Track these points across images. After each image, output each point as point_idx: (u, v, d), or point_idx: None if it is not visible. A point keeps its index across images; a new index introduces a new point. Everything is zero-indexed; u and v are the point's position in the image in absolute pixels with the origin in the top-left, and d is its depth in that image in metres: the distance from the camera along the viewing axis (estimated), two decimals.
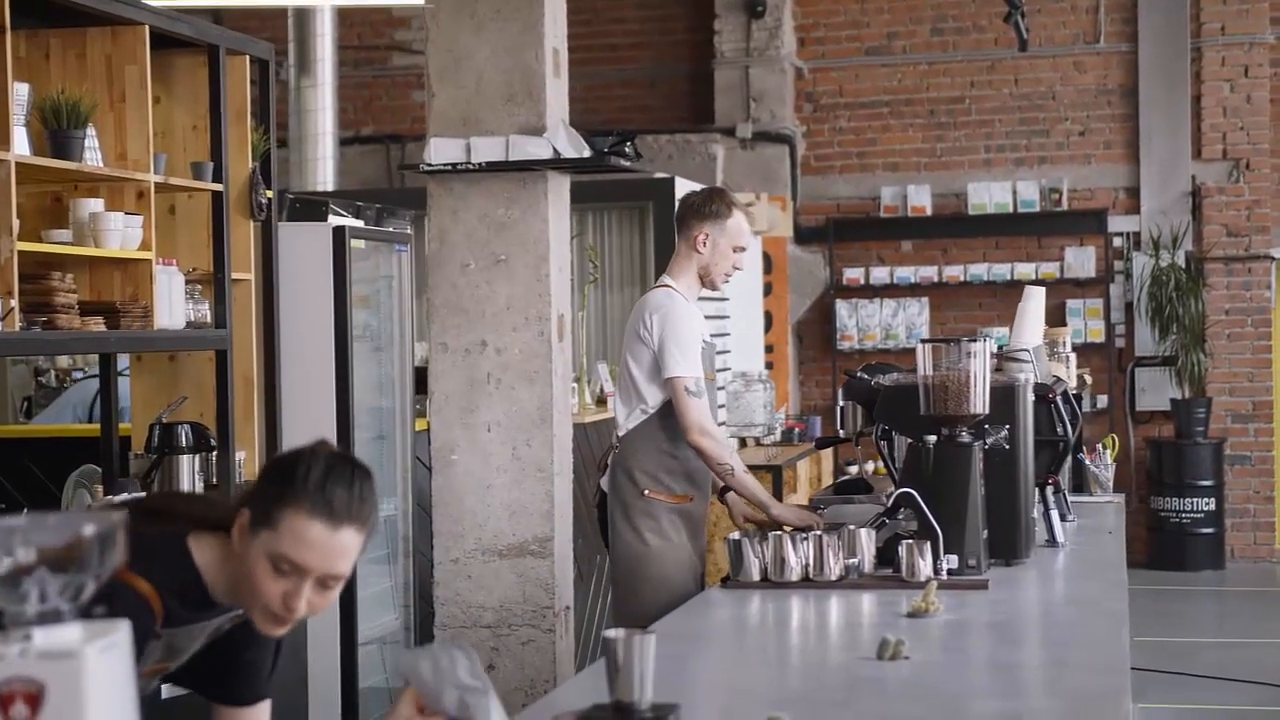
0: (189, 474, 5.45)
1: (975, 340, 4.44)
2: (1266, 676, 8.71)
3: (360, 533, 2.64)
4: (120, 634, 1.74)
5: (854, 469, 10.40)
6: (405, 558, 6.93)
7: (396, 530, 6.95)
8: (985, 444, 4.47)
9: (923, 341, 4.48)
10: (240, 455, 5.83)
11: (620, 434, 5.33)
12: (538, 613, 5.66)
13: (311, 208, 6.44)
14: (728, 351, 10.58)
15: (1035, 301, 5.61)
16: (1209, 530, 12.35)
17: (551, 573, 5.67)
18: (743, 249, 5.35)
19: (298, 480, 2.60)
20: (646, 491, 5.22)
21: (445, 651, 2.46)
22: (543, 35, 5.63)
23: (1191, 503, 12.31)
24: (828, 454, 11.07)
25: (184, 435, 5.46)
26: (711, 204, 5.32)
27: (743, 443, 10.22)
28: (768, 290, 12.53)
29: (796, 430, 10.80)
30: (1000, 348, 5.42)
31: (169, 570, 2.68)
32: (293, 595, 2.61)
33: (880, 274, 12.99)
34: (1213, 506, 12.34)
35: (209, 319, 5.64)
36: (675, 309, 5.19)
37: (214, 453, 5.63)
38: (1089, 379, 10.14)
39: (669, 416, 5.21)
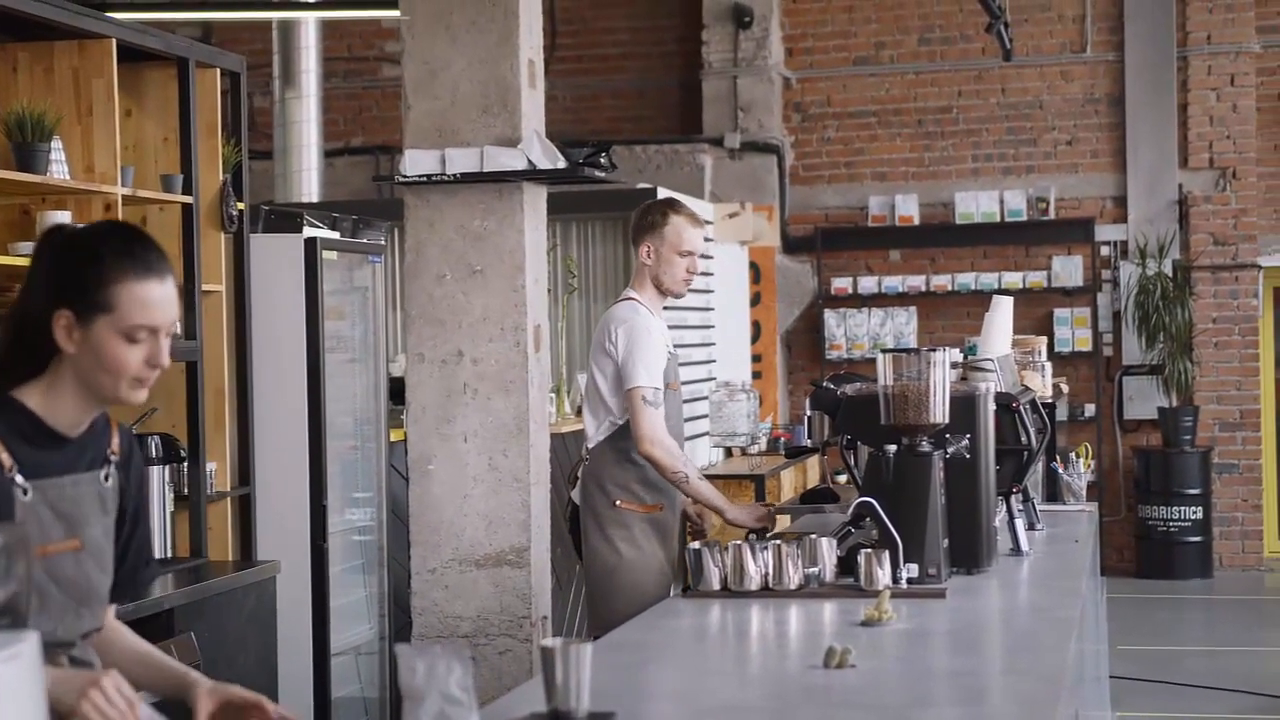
0: (159, 485, 5.46)
1: (935, 350, 4.45)
2: (1251, 685, 8.72)
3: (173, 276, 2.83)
4: (27, 644, 1.76)
5: (843, 478, 10.40)
6: (381, 567, 6.95)
7: (373, 540, 6.96)
8: (946, 453, 4.48)
9: (883, 351, 4.50)
10: (211, 466, 5.85)
11: (590, 445, 5.42)
12: (515, 622, 5.67)
13: (287, 219, 6.45)
14: (714, 361, 10.60)
15: (1002, 311, 5.62)
16: (1196, 539, 12.36)
17: (528, 582, 5.68)
18: (689, 253, 5.44)
19: (108, 259, 2.72)
20: (618, 502, 5.32)
21: (446, 656, 2.46)
22: (518, 47, 5.64)
23: (1179, 511, 12.32)
24: (814, 463, 11.08)
25: (154, 446, 5.47)
26: (647, 216, 5.48)
27: (728, 452, 10.23)
28: (756, 300, 12.56)
29: (783, 440, 10.80)
30: (966, 357, 5.44)
31: (3, 421, 2.72)
32: (154, 354, 2.74)
33: (868, 283, 13.01)
34: (1200, 515, 12.34)
35: (179, 330, 5.66)
36: (639, 322, 5.31)
37: (184, 464, 5.65)
38: (1065, 388, 10.14)
39: None
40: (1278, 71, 12.82)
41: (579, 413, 8.65)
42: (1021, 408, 5.10)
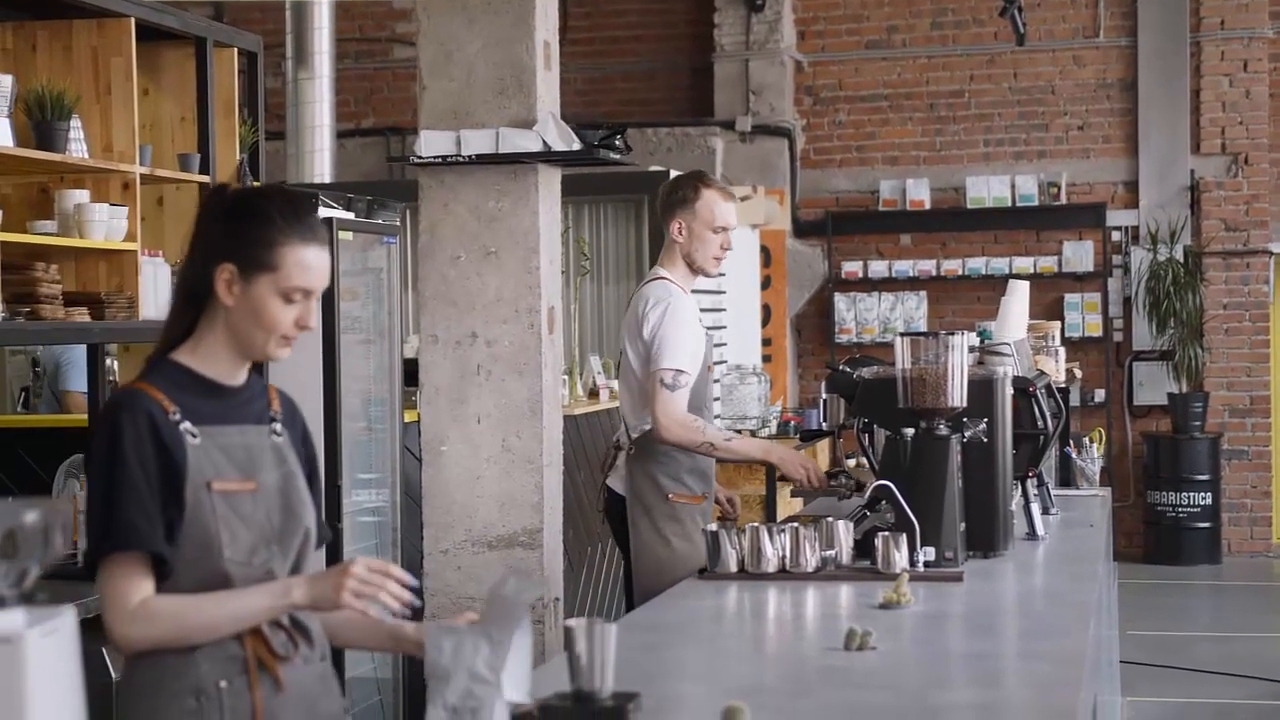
0: None
1: (953, 334, 4.45)
2: (1260, 670, 8.73)
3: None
4: (64, 619, 1.77)
5: (851, 462, 10.40)
6: (394, 548, 6.95)
7: (386, 521, 6.97)
8: (963, 437, 4.48)
9: (901, 334, 4.49)
10: None
11: (634, 435, 5.27)
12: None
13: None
14: (724, 344, 10.61)
15: (1018, 296, 5.62)
16: (1205, 525, 12.37)
17: (541, 564, 5.67)
18: (723, 229, 5.27)
19: (278, 221, 2.84)
20: (671, 495, 5.19)
21: (473, 636, 2.47)
22: (533, 28, 5.63)
23: (1188, 497, 12.33)
24: (825, 446, 11.08)
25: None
26: (678, 191, 5.31)
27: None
28: (766, 283, 12.56)
29: (793, 423, 10.80)
30: (984, 341, 5.43)
31: (161, 376, 2.87)
32: (304, 315, 2.89)
33: (879, 268, 13.01)
34: (1209, 501, 12.35)
35: None
36: (675, 302, 5.17)
37: None
38: (1079, 373, 10.16)
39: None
40: None
41: (592, 395, 8.65)
42: (1038, 392, 5.10)
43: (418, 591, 5.98)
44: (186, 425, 2.82)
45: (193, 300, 2.89)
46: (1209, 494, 12.35)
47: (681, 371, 5.11)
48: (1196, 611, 11.13)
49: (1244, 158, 12.67)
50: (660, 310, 5.15)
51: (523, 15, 5.60)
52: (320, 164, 10.98)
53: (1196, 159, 12.75)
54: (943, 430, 4.44)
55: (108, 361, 6.27)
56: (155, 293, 5.38)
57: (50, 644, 1.75)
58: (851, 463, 10.19)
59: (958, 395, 4.42)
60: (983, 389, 4.58)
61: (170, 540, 2.78)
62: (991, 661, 3.43)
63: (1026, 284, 5.81)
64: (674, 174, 10.11)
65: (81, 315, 5.06)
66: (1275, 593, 11.89)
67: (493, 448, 5.63)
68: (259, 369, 3.10)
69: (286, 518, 2.92)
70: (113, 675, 4.49)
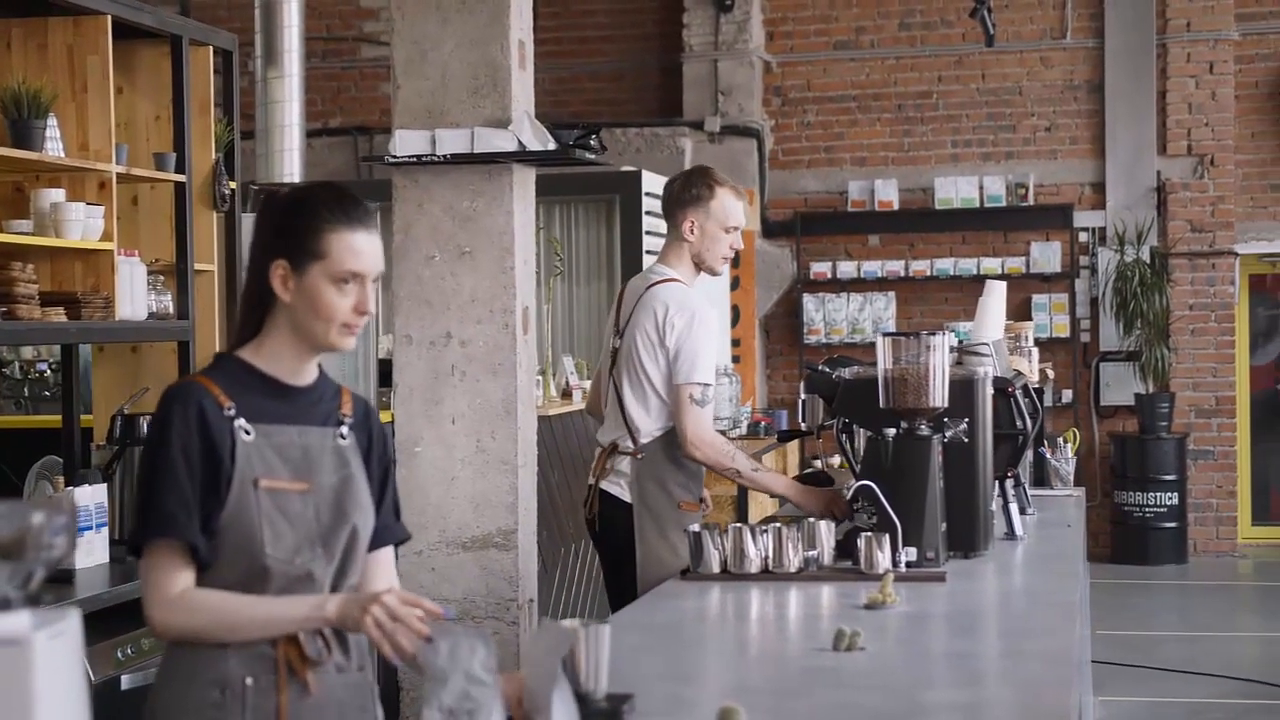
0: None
1: (935, 334, 4.46)
2: (1227, 669, 8.77)
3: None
4: (70, 622, 1.75)
5: (818, 462, 10.41)
6: None
7: None
8: (944, 437, 4.49)
9: (883, 335, 4.50)
10: None
11: (643, 439, 5.10)
12: (501, 605, 5.66)
13: None
14: None
15: (996, 296, 5.64)
16: (1171, 524, 12.43)
17: (515, 565, 5.66)
18: (734, 228, 5.12)
19: (322, 211, 2.91)
20: (682, 504, 5.09)
21: (468, 638, 2.46)
22: (508, 27, 5.62)
23: (1154, 497, 12.39)
24: (794, 447, 11.10)
25: (145, 426, 5.44)
26: (691, 188, 5.12)
27: None
28: (735, 284, 12.57)
29: (763, 424, 10.81)
30: (961, 341, 5.44)
31: (222, 372, 2.93)
32: (361, 300, 2.91)
33: (847, 268, 13.04)
34: (1175, 501, 12.42)
35: (171, 310, 5.63)
36: (700, 311, 5.04)
37: None
38: (1051, 373, 10.19)
39: None
40: (1256, 59, 12.88)
41: (565, 395, 8.63)
42: (1016, 393, 5.12)
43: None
44: (241, 421, 2.86)
45: (257, 304, 2.94)
46: (1175, 494, 12.42)
47: (709, 385, 5.00)
48: (1164, 611, 11.18)
49: (1210, 159, 12.74)
50: (686, 319, 5.00)
51: (497, 14, 5.59)
52: (290, 163, 10.90)
53: (1163, 160, 12.81)
54: (924, 430, 4.44)
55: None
56: (131, 292, 5.35)
57: (57, 646, 1.73)
58: (819, 463, 10.23)
59: (939, 395, 4.43)
60: (964, 389, 4.59)
61: (207, 532, 2.82)
62: (981, 661, 3.44)
63: (1004, 284, 5.83)
64: (645, 174, 10.15)
65: (58, 315, 5.02)
66: (1241, 592, 11.96)
67: (467, 448, 5.62)
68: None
69: (335, 516, 2.93)
70: (90, 678, 4.46)
